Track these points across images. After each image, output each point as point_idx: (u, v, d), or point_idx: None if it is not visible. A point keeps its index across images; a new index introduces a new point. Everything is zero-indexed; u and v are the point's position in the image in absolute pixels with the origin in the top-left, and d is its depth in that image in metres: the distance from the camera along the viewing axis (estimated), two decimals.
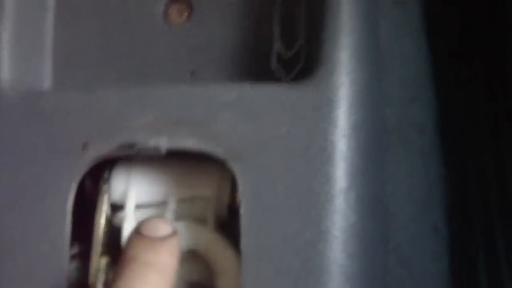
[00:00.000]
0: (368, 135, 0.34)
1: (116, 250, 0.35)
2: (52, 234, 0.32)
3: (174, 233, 0.30)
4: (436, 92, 0.43)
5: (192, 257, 0.34)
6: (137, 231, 0.29)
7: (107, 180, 0.35)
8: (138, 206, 0.35)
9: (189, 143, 0.32)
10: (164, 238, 0.29)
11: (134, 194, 0.35)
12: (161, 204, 0.35)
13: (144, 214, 0.35)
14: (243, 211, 0.31)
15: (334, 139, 0.32)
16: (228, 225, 0.35)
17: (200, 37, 0.37)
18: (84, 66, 0.37)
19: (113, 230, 0.35)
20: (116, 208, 0.35)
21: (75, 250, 0.34)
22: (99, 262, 0.34)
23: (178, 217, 0.35)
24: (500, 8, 0.47)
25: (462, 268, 0.44)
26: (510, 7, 0.46)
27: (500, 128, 0.48)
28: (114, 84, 0.37)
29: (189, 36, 0.37)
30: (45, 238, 0.32)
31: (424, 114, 0.42)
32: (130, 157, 0.34)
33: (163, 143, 0.32)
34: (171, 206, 0.35)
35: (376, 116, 0.36)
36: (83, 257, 0.35)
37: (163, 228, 0.29)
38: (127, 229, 0.35)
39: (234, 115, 0.32)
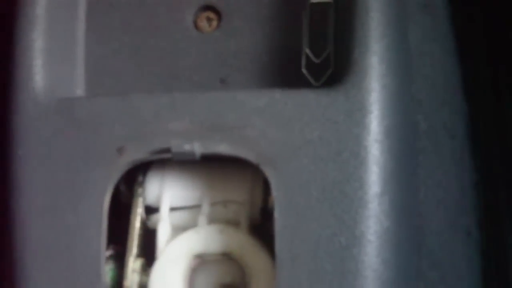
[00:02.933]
0: (400, 140, 0.34)
1: (150, 252, 0.35)
2: (89, 237, 0.33)
3: None
4: (466, 96, 0.43)
5: (225, 260, 0.35)
6: None
7: (141, 184, 0.36)
8: (172, 209, 0.36)
9: (222, 148, 0.33)
10: None
11: (168, 197, 0.36)
12: (195, 207, 0.36)
13: (178, 216, 0.36)
14: (277, 215, 0.32)
15: (367, 144, 0.32)
16: (261, 228, 0.35)
17: (230, 44, 0.38)
18: (116, 73, 0.38)
19: (148, 232, 0.36)
20: (151, 210, 0.36)
21: (111, 252, 0.35)
22: (134, 264, 0.35)
23: (212, 220, 0.35)
24: None
25: (494, 273, 0.44)
26: None
27: None
28: (145, 91, 0.37)
29: (218, 44, 0.38)
30: (82, 240, 0.33)
31: (455, 118, 0.42)
32: (164, 160, 0.35)
33: (197, 148, 0.33)
34: (205, 209, 0.35)
35: (408, 121, 0.36)
36: (118, 259, 0.35)
37: None
38: (161, 231, 0.35)
39: (266, 120, 0.33)
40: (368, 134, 0.32)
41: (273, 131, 0.32)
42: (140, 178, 0.36)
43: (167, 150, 0.33)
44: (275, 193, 0.32)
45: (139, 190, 0.35)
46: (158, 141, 0.33)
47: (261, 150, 0.32)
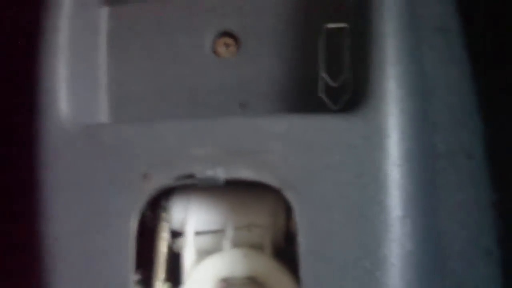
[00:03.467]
0: (420, 163, 0.35)
1: (176, 275, 0.36)
2: (117, 261, 0.33)
3: None
4: (482, 117, 0.43)
5: (250, 283, 0.35)
6: None
7: (166, 209, 0.36)
8: (197, 233, 0.36)
9: (245, 173, 0.33)
10: None
11: (193, 222, 0.36)
12: (219, 232, 0.36)
13: (203, 240, 0.36)
14: (300, 239, 0.32)
15: (387, 168, 0.33)
16: (284, 251, 0.35)
17: (248, 69, 0.39)
18: (138, 98, 0.39)
19: (173, 256, 0.37)
20: (176, 234, 0.37)
21: (138, 276, 0.36)
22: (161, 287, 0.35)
23: (236, 244, 0.36)
24: None
25: None
26: None
27: None
28: (167, 116, 0.38)
29: (237, 69, 0.39)
30: (110, 265, 0.33)
31: (472, 139, 0.42)
32: (188, 185, 0.35)
33: (221, 173, 0.33)
34: (229, 233, 0.36)
35: (426, 143, 0.37)
36: (146, 283, 0.36)
37: None
38: (187, 255, 0.36)
39: (286, 145, 0.33)
40: (387, 158, 0.33)
41: (294, 156, 0.33)
42: (164, 203, 0.36)
43: (191, 176, 0.34)
44: (298, 217, 0.33)
45: (164, 215, 0.36)
46: (182, 167, 0.34)
47: (283, 175, 0.33)
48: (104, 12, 0.39)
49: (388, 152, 0.33)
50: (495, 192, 0.43)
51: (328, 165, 0.33)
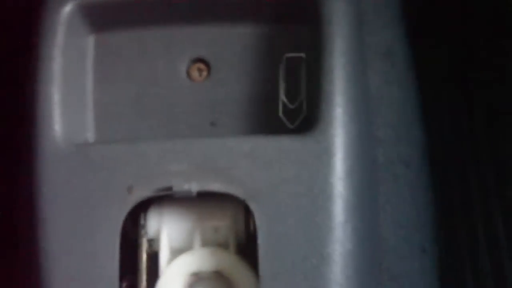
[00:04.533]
0: (361, 176, 0.41)
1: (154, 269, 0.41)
2: (105, 265, 0.39)
3: None
4: (421, 130, 0.50)
5: (216, 277, 0.41)
6: None
7: (144, 226, 0.42)
8: (171, 238, 0.42)
9: (215, 186, 0.39)
10: None
11: (166, 230, 0.42)
12: (190, 233, 0.42)
13: (176, 240, 0.42)
14: (260, 241, 0.39)
15: (333, 181, 0.39)
16: (245, 248, 0.42)
17: (218, 92, 0.44)
18: (121, 118, 0.44)
19: (152, 253, 0.42)
20: (153, 239, 0.42)
21: (126, 282, 0.41)
22: None
23: (205, 243, 0.42)
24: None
25: (449, 282, 0.50)
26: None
27: (480, 157, 0.55)
28: (147, 133, 0.44)
29: (208, 91, 0.44)
30: (99, 268, 0.39)
31: (409, 149, 0.48)
32: (162, 198, 0.41)
33: (194, 186, 0.39)
34: (198, 234, 0.42)
35: (368, 157, 0.43)
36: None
37: None
38: (162, 256, 0.41)
39: (250, 162, 0.39)
40: (333, 173, 0.39)
41: (257, 172, 0.39)
42: (142, 221, 0.42)
43: (169, 189, 0.39)
44: (258, 222, 0.39)
45: (142, 232, 0.42)
46: (161, 181, 0.39)
47: (247, 188, 0.39)
48: (91, 40, 0.44)
49: (334, 169, 0.39)
50: (431, 195, 0.50)
51: (285, 179, 0.39)
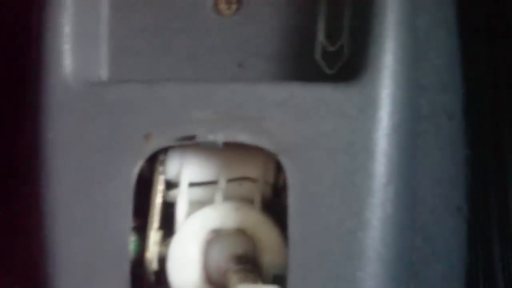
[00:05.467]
0: (407, 133, 0.37)
1: (169, 224, 0.38)
2: (117, 213, 0.35)
3: None
4: (465, 79, 0.45)
5: (239, 234, 0.38)
6: None
7: (163, 162, 0.38)
8: (191, 185, 0.38)
9: (243, 137, 0.35)
10: None
11: (187, 173, 0.38)
12: (212, 185, 0.38)
13: (195, 193, 0.38)
14: (291, 200, 0.35)
15: (377, 138, 0.35)
16: (272, 204, 0.38)
17: (248, 28, 0.39)
18: (138, 55, 0.39)
19: (167, 206, 0.39)
20: (170, 185, 0.38)
21: (133, 224, 0.38)
22: (155, 236, 0.37)
23: (227, 197, 0.38)
24: None
25: (479, 245, 0.47)
26: None
27: None
28: (166, 72, 0.39)
29: (237, 28, 0.39)
30: (110, 216, 0.35)
31: (454, 100, 0.44)
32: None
33: (220, 137, 0.35)
34: (221, 185, 0.38)
35: (414, 111, 0.39)
36: (140, 231, 0.38)
37: None
38: (180, 206, 0.38)
39: (284, 113, 0.35)
40: (378, 128, 0.35)
41: (291, 123, 0.35)
42: (161, 157, 0.38)
43: (192, 138, 0.35)
44: (290, 180, 0.35)
45: (160, 168, 0.38)
46: (183, 129, 0.35)
47: (279, 140, 0.35)
48: None
49: (380, 123, 0.35)
50: (470, 151, 0.46)
51: (323, 132, 0.35)
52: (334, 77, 0.38)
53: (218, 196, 0.38)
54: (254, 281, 0.35)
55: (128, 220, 0.35)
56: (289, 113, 0.35)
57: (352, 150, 0.35)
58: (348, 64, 0.38)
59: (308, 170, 0.35)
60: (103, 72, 0.39)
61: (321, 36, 0.38)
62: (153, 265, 0.37)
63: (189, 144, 0.36)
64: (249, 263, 0.37)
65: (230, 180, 0.38)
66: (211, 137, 0.35)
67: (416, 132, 0.41)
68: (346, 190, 0.34)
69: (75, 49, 0.36)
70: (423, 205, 0.42)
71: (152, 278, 0.37)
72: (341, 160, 0.34)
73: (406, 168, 0.37)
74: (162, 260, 0.37)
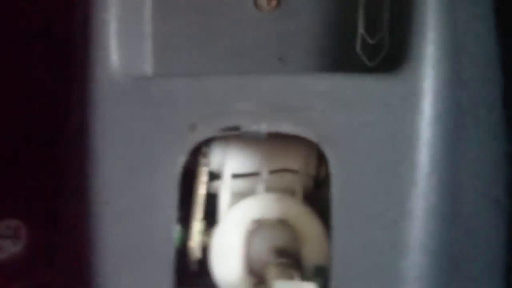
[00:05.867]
0: (449, 122, 0.37)
1: (212, 214, 0.39)
2: (162, 205, 0.36)
3: None
4: (504, 71, 0.45)
5: (280, 225, 0.38)
6: None
7: (206, 154, 0.39)
8: (234, 176, 0.39)
9: (286, 127, 0.35)
10: None
11: (230, 165, 0.38)
12: (253, 176, 0.39)
13: (238, 184, 0.39)
14: (333, 190, 0.35)
15: (420, 127, 0.35)
16: (313, 196, 0.38)
17: (288, 23, 0.40)
18: (180, 50, 0.40)
19: (210, 197, 0.39)
20: (213, 176, 0.39)
21: (178, 215, 0.38)
22: (198, 226, 0.38)
23: (269, 188, 0.38)
24: None
25: None
26: None
27: None
28: (208, 67, 0.40)
29: (277, 23, 0.40)
30: (156, 208, 0.36)
31: (493, 93, 0.44)
32: (227, 136, 0.37)
33: (264, 127, 0.36)
34: (264, 177, 0.38)
35: (456, 102, 0.39)
36: (183, 221, 0.39)
37: None
38: (223, 197, 0.38)
39: (327, 103, 0.35)
40: (421, 118, 0.35)
41: (333, 113, 0.35)
42: (204, 149, 0.39)
43: (236, 128, 0.36)
44: (332, 169, 0.35)
45: (204, 160, 0.39)
46: (227, 120, 0.36)
47: (322, 130, 0.35)
48: None
49: (423, 113, 0.35)
50: (509, 144, 0.46)
51: (365, 122, 0.35)
52: (375, 70, 0.38)
53: (260, 187, 0.39)
54: (293, 277, 0.35)
55: (173, 210, 0.36)
56: (332, 104, 0.35)
57: (395, 140, 0.35)
58: (389, 56, 0.38)
59: (351, 160, 0.35)
60: (148, 68, 0.40)
61: (361, 29, 0.38)
62: (197, 254, 0.38)
63: (232, 135, 0.37)
64: (290, 257, 0.38)
65: (272, 172, 0.39)
66: (254, 128, 0.35)
67: (459, 126, 0.41)
68: (389, 179, 0.35)
69: (121, 45, 0.37)
70: (464, 197, 0.42)
71: (196, 267, 0.38)
72: (384, 149, 0.35)
73: (449, 158, 0.37)
74: (205, 250, 0.38)
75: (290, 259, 0.37)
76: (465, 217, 0.41)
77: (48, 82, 0.50)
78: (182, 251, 0.38)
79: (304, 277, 0.37)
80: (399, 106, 0.35)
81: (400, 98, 0.35)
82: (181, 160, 0.36)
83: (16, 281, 0.56)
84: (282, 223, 0.38)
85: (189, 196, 0.39)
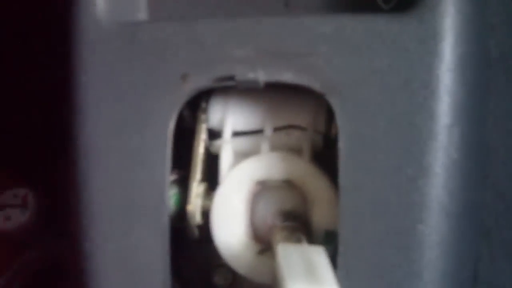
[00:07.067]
0: (473, 69, 0.32)
1: (213, 176, 0.36)
2: (153, 161, 0.33)
3: None
4: None
5: (287, 186, 0.35)
6: None
7: (205, 110, 0.36)
8: (235, 134, 0.36)
9: (287, 76, 0.32)
10: None
11: (231, 121, 0.35)
12: (257, 133, 0.36)
13: (240, 143, 0.36)
14: (341, 145, 0.31)
15: (439, 73, 0.31)
16: (322, 154, 0.35)
17: None
18: None
19: (210, 157, 0.36)
20: (213, 136, 0.36)
21: (174, 177, 0.36)
22: (197, 188, 0.35)
23: (274, 146, 0.35)
24: None
25: None
26: None
27: None
28: (207, 14, 0.36)
29: None
30: (147, 165, 0.33)
31: None
32: (227, 88, 0.34)
33: (261, 76, 0.32)
34: (267, 134, 0.35)
35: (481, 48, 0.34)
36: (182, 183, 0.36)
37: None
38: (224, 156, 0.35)
39: (333, 47, 0.31)
40: (440, 62, 0.31)
41: (340, 59, 0.31)
42: (203, 105, 0.36)
43: (231, 78, 0.32)
44: (340, 122, 0.31)
45: (203, 117, 0.35)
46: (222, 68, 0.32)
47: (327, 78, 0.31)
48: None
49: (442, 56, 0.31)
50: None
51: (377, 69, 0.31)
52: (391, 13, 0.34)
53: (264, 146, 0.35)
54: (300, 240, 0.32)
55: (165, 167, 0.33)
56: (339, 48, 0.31)
57: (411, 88, 0.31)
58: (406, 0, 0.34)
59: (361, 111, 0.31)
60: (142, 14, 0.36)
61: None
62: (196, 218, 0.35)
63: (232, 87, 0.33)
64: (297, 219, 0.34)
65: (276, 129, 0.35)
66: (251, 76, 0.32)
67: (487, 76, 0.36)
68: (404, 133, 0.31)
69: None
70: (495, 158, 0.37)
71: (195, 232, 0.35)
72: (398, 99, 0.31)
73: (474, 110, 0.33)
74: (206, 214, 0.35)
75: (297, 222, 0.34)
76: (495, 179, 0.37)
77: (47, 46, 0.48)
78: (181, 215, 0.35)
79: (313, 242, 0.33)
80: (415, 49, 0.31)
81: (416, 40, 0.31)
82: (173, 113, 0.33)
83: (25, 252, 0.55)
84: (288, 185, 0.35)
85: (189, 157, 0.36)
